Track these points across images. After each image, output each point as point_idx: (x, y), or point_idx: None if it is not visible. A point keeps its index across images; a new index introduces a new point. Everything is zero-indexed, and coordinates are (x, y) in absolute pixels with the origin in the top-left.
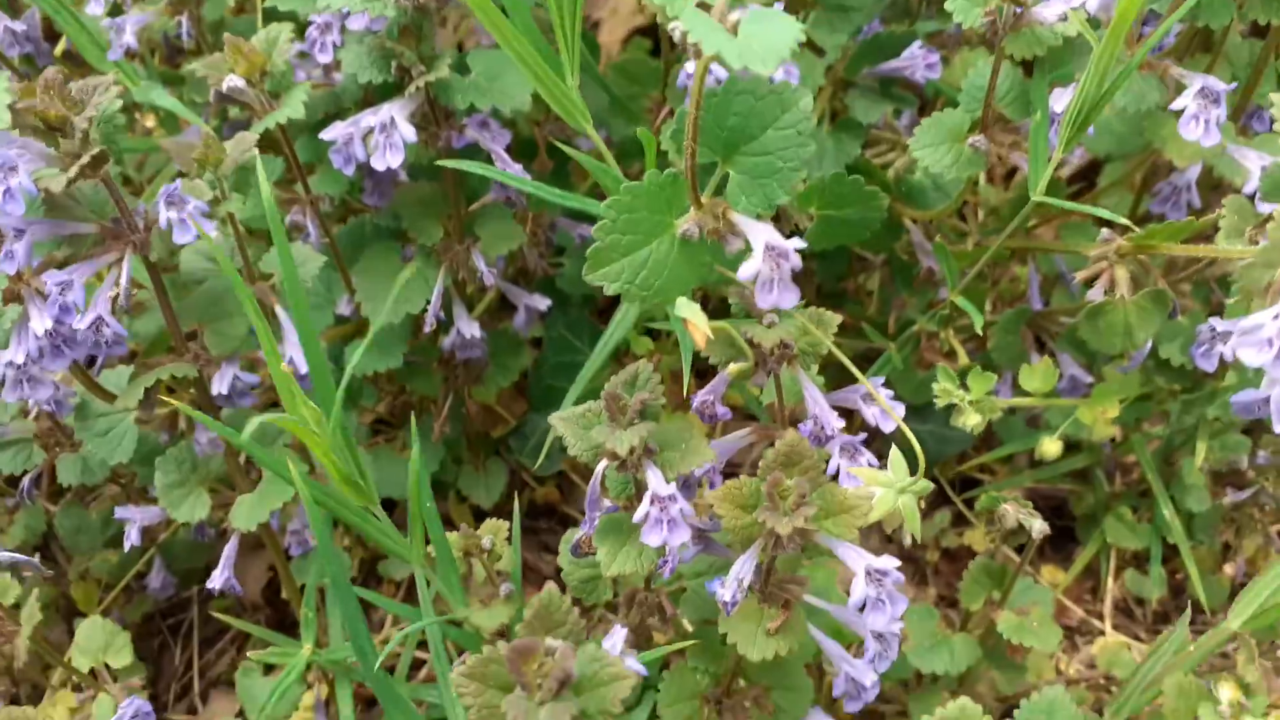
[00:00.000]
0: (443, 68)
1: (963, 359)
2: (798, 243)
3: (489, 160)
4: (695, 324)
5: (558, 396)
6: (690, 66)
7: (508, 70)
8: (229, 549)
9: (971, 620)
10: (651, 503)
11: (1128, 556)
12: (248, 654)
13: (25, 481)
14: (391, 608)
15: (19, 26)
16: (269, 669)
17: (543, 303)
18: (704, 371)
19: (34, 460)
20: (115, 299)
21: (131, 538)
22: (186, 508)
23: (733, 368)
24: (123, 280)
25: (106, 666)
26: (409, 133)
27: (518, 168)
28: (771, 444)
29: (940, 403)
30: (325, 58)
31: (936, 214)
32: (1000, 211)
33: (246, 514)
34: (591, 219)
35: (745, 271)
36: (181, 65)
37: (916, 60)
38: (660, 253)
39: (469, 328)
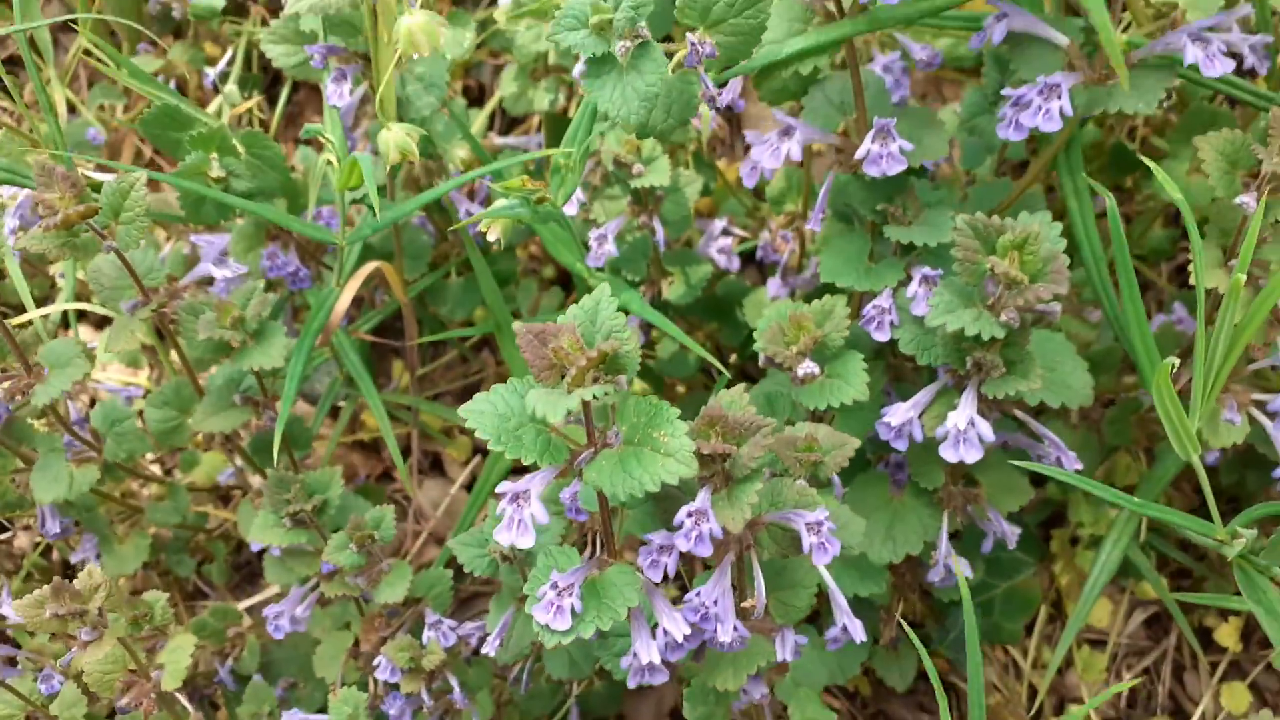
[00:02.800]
0: (1035, 378)
1: None
2: None
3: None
4: None
5: (987, 589)
6: None
7: (1065, 360)
8: None
9: None
10: None
11: None
12: None
13: (520, 670)
14: None
15: None
16: None
17: (1013, 534)
18: None
19: (524, 652)
20: (749, 609)
21: None
22: None
23: None
24: (759, 588)
25: None
26: (987, 432)
27: (1072, 457)
28: None
29: None
30: (882, 336)
31: None
32: None
33: None
34: None
35: None
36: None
37: None
38: None
39: (964, 568)
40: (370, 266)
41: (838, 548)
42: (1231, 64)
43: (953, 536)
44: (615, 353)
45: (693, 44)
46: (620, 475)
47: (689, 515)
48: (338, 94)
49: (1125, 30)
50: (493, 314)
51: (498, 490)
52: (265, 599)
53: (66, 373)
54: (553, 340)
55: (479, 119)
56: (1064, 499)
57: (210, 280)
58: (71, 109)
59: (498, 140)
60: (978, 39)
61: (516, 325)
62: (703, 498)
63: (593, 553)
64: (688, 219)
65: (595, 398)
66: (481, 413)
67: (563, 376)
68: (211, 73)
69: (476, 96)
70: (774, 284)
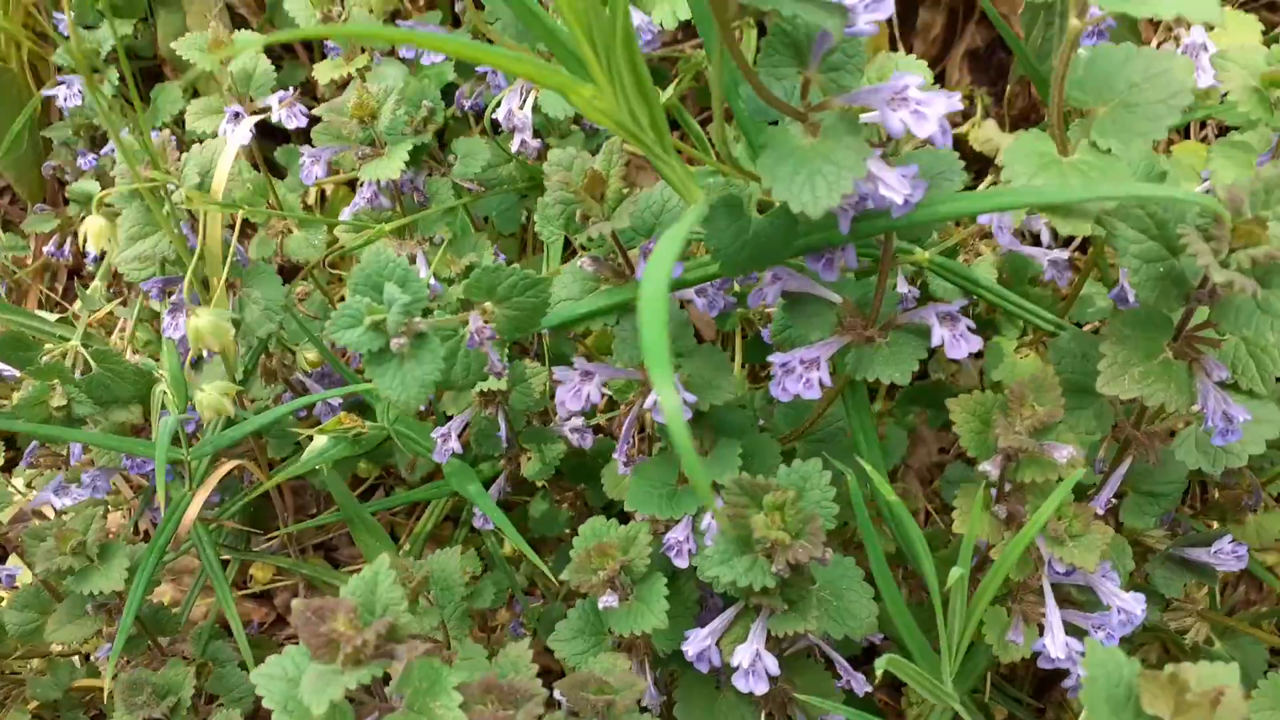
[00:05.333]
0: (812, 619)
1: None
2: None
3: None
4: None
5: None
6: None
7: (852, 587)
8: None
9: None
10: None
11: None
12: None
13: None
14: None
15: None
16: None
17: None
18: None
19: None
20: None
21: None
22: None
23: None
24: None
25: None
26: (773, 666)
27: (861, 680)
28: None
29: None
30: (682, 563)
31: None
32: None
33: None
34: None
35: None
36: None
37: (1225, 554)
38: None
39: None
40: (226, 468)
41: None
42: (977, 343)
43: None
44: (392, 628)
45: (471, 334)
46: None
47: None
48: (173, 326)
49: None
50: (343, 511)
51: None
52: None
53: None
54: (329, 619)
55: None
56: None
57: None
58: None
59: None
60: (755, 297)
61: (295, 603)
62: None
63: None
64: (537, 404)
65: (360, 683)
66: (271, 678)
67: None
68: (93, 251)
69: None
70: (620, 467)
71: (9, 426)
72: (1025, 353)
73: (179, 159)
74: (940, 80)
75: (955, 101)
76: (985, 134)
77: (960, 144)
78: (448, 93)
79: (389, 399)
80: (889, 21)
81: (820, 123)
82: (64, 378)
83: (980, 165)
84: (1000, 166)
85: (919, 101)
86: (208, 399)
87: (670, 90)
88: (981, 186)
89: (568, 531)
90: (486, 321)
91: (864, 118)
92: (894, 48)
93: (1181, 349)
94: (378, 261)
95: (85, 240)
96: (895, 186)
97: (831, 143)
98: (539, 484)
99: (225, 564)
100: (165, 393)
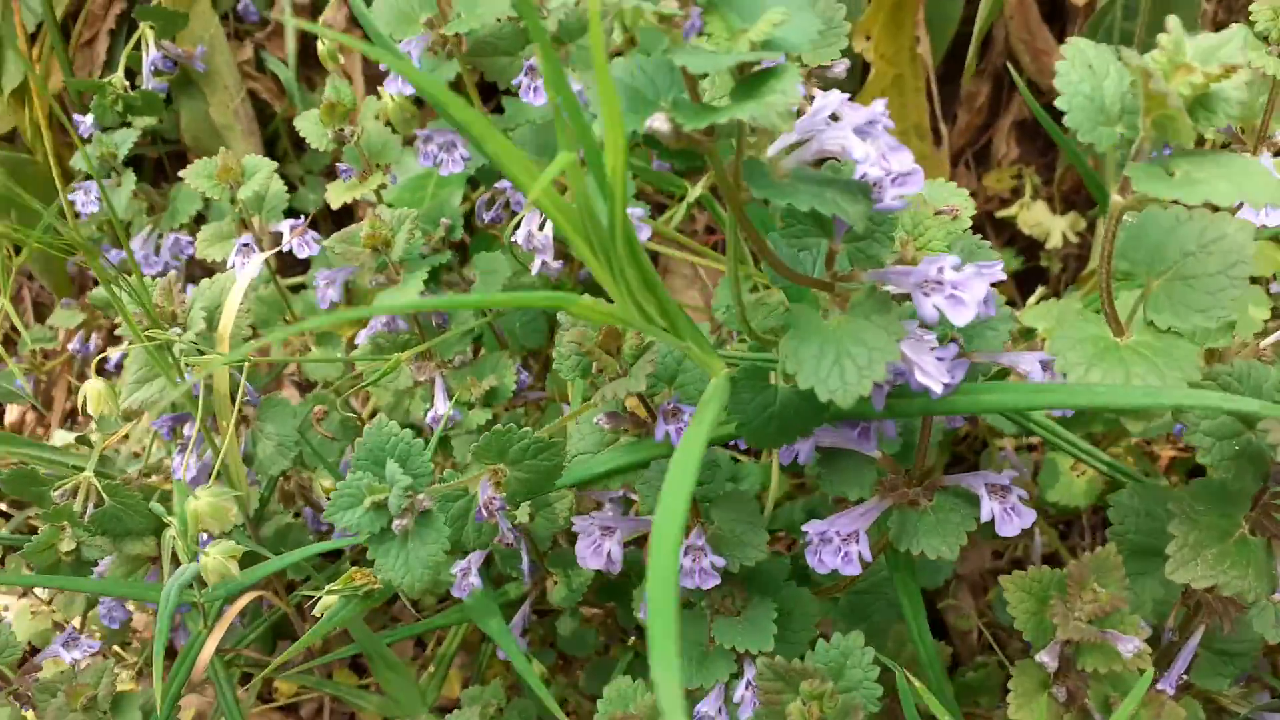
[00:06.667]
0: None
1: None
2: None
3: None
4: None
5: None
6: None
7: None
8: None
9: None
10: None
11: None
12: None
13: None
14: None
15: None
16: None
17: None
18: None
19: None
20: None
21: None
22: None
23: None
24: None
25: None
26: None
27: None
28: None
29: None
30: None
31: None
32: None
33: None
34: None
35: None
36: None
37: None
38: None
39: None
40: (243, 601)
41: None
42: (1030, 517)
43: None
44: None
45: (480, 506)
46: None
47: None
48: (182, 467)
49: None
50: (362, 646)
51: None
52: None
53: None
54: None
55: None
56: None
57: None
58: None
59: None
60: (786, 454)
61: None
62: None
63: None
64: (562, 526)
65: None
66: None
67: None
68: (114, 357)
69: None
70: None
71: (18, 582)
72: (1081, 469)
73: (184, 300)
74: (986, 151)
75: (997, 272)
76: (1035, 217)
77: (1008, 226)
78: (473, 182)
79: (392, 581)
80: (929, 95)
81: (848, 294)
82: (73, 520)
83: (1028, 247)
84: (1050, 251)
85: (955, 285)
86: (213, 563)
87: (682, 210)
88: (1032, 300)
89: (602, 645)
90: (497, 487)
91: (893, 291)
92: (934, 121)
93: (1259, 521)
94: (379, 435)
95: (84, 402)
96: (932, 374)
97: (860, 321)
98: None
99: (248, 678)
100: (174, 538)
